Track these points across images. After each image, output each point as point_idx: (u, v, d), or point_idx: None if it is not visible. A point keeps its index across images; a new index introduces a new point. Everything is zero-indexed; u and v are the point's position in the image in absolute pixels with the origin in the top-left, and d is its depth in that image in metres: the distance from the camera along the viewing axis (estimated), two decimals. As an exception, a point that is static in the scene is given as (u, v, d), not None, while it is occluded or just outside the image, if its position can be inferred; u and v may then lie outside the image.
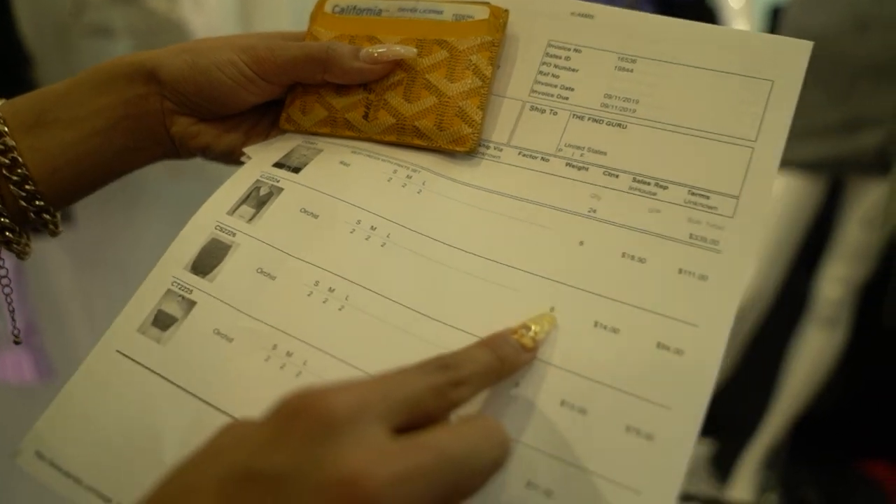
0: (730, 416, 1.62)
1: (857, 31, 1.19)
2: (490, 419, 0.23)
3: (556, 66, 0.38)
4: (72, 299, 1.27)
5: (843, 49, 1.21)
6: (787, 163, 1.28)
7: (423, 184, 0.36)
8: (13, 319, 0.44)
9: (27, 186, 0.37)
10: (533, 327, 0.29)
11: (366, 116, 0.38)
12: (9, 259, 1.19)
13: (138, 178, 1.35)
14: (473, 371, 0.25)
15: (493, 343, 0.28)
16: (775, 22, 1.38)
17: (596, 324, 0.30)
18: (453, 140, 0.36)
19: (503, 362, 0.27)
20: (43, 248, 1.22)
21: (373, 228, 0.34)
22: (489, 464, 0.22)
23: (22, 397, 1.23)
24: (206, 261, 0.34)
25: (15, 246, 0.39)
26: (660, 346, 0.29)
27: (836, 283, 1.37)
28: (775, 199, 1.31)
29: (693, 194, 0.33)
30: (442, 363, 0.24)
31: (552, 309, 0.31)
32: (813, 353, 1.44)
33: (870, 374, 1.63)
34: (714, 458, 1.65)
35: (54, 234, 0.40)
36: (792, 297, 1.44)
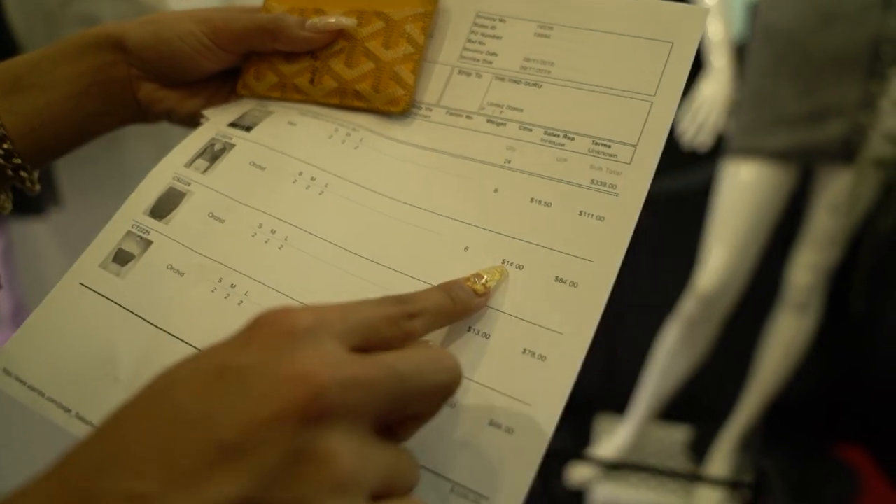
0: (705, 402, 1.66)
1: (821, 26, 1.23)
2: (442, 350, 0.26)
3: (482, 35, 0.42)
4: (55, 283, 1.30)
5: (809, 43, 1.24)
6: (759, 152, 1.32)
7: (361, 140, 0.40)
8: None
9: (5, 146, 0.40)
10: (485, 276, 0.33)
11: (312, 81, 0.42)
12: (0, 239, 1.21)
13: (128, 162, 1.38)
14: (426, 307, 0.27)
15: (447, 287, 0.31)
16: (754, 18, 1.41)
17: (504, 261, 0.34)
18: (388, 101, 0.40)
19: (455, 303, 0.30)
20: (33, 230, 1.26)
21: (312, 179, 0.38)
22: (436, 386, 0.24)
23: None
24: (164, 206, 0.38)
25: None
26: (558, 279, 0.33)
27: (805, 269, 1.40)
28: (746, 187, 1.34)
29: (596, 143, 0.37)
30: (399, 298, 0.27)
31: (466, 249, 0.35)
32: (784, 339, 1.47)
33: (840, 358, 1.67)
34: (691, 444, 1.68)
35: (31, 191, 0.44)
36: (765, 283, 1.47)
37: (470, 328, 0.32)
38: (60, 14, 1.22)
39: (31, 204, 1.12)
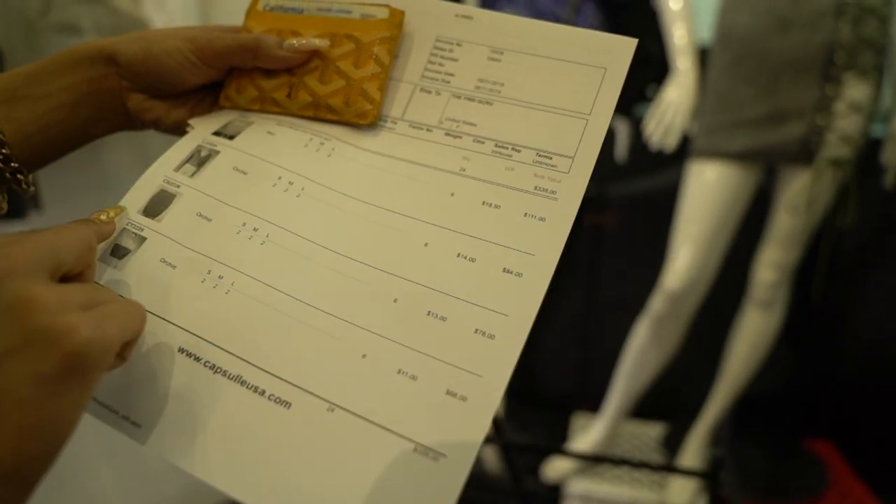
0: (677, 398, 1.71)
1: (778, 31, 1.28)
2: (74, 226, 0.35)
3: (441, 57, 0.47)
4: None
5: (766, 47, 1.30)
6: (721, 153, 1.37)
7: (333, 149, 0.45)
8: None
9: (4, 150, 0.44)
10: (109, 212, 0.41)
11: (289, 95, 0.46)
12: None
13: (105, 165, 1.41)
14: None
15: (80, 220, 0.38)
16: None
17: (458, 255, 0.39)
18: (358, 114, 0.45)
19: (88, 228, 0.37)
20: (12, 233, 1.27)
21: (290, 183, 0.43)
22: (77, 241, 0.33)
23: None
24: (156, 206, 0.42)
25: None
26: (505, 270, 0.38)
27: (769, 267, 1.45)
28: (710, 187, 1.39)
29: (540, 156, 0.42)
30: (44, 229, 0.34)
31: (426, 245, 0.39)
32: (751, 335, 1.52)
33: (808, 354, 1.72)
34: (664, 440, 1.73)
35: (27, 192, 0.47)
36: (731, 281, 1.52)
37: (429, 312, 0.37)
38: (39, 22, 1.25)
39: (13, 208, 1.14)
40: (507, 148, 0.43)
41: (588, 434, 1.65)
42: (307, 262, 0.39)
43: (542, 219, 0.40)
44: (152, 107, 0.48)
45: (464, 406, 0.34)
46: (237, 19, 0.51)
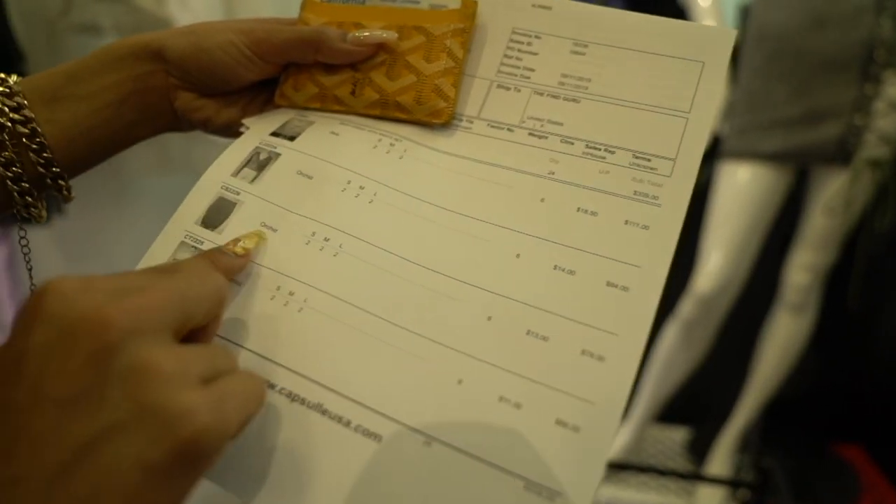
0: (704, 402, 1.68)
1: (814, 29, 1.25)
2: (205, 269, 0.30)
3: (519, 51, 0.43)
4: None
5: (802, 45, 1.26)
6: (754, 154, 1.34)
7: (405, 151, 0.41)
8: (31, 280, 0.48)
9: (45, 154, 0.40)
10: (243, 240, 0.36)
11: (353, 93, 0.43)
12: (2, 251, 1.22)
13: (127, 172, 1.38)
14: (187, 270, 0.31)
15: (208, 253, 0.35)
16: (744, 20, 1.43)
17: (555, 267, 0.35)
18: (431, 113, 0.41)
19: (216, 265, 0.33)
20: (34, 239, 1.25)
21: (361, 188, 0.39)
22: (210, 291, 0.29)
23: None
24: (215, 216, 0.39)
25: (33, 210, 0.43)
26: (609, 284, 0.34)
27: (803, 270, 1.42)
28: (743, 189, 1.36)
29: (637, 157, 0.38)
30: (161, 268, 0.30)
31: (518, 256, 0.36)
32: (782, 339, 1.49)
33: (838, 358, 1.69)
34: (690, 444, 1.70)
35: (67, 199, 0.44)
36: (762, 284, 1.49)
37: (528, 331, 0.33)
38: (60, 23, 1.22)
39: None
40: (600, 149, 0.39)
41: (615, 439, 1.61)
42: (387, 276, 0.36)
43: (645, 227, 0.36)
44: (202, 106, 0.45)
45: (577, 437, 0.30)
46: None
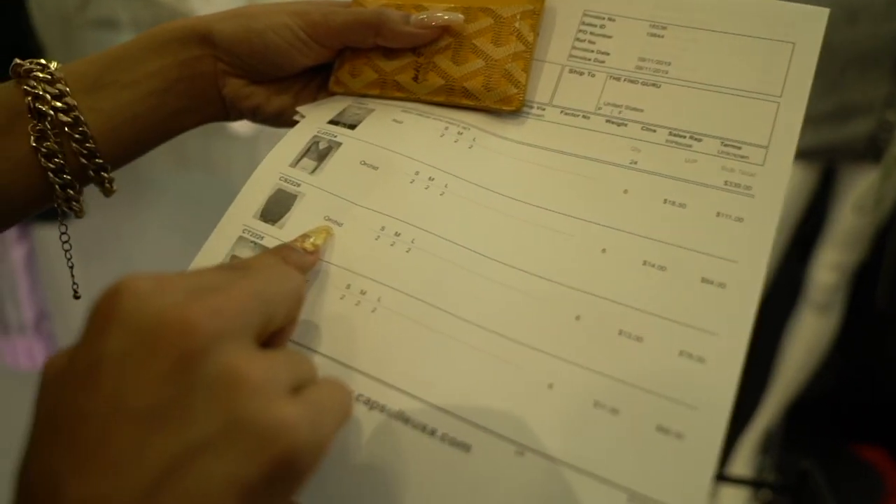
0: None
1: (846, 23, 1.22)
2: (280, 263, 0.28)
3: (591, 34, 0.41)
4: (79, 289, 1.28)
5: (833, 39, 1.24)
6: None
7: (474, 140, 0.39)
8: (72, 276, 0.45)
9: (88, 144, 0.38)
10: (311, 238, 0.34)
11: (416, 78, 0.40)
12: (21, 249, 1.20)
13: (143, 169, 1.36)
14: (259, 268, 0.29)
15: (278, 249, 0.32)
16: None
17: (645, 262, 0.33)
18: (500, 100, 0.39)
19: (287, 262, 0.31)
20: (52, 237, 1.23)
21: (431, 179, 0.37)
22: (290, 291, 0.26)
23: (28, 383, 1.25)
24: (275, 209, 0.36)
25: (74, 204, 0.41)
26: (704, 280, 0.32)
27: (829, 269, 1.39)
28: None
29: (726, 145, 0.36)
30: (233, 265, 0.28)
31: (603, 251, 0.33)
32: (807, 339, 1.47)
33: (863, 358, 1.66)
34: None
35: (109, 192, 0.42)
36: (787, 282, 1.47)
37: (621, 331, 0.31)
38: (77, 18, 1.20)
39: (52, 210, 1.10)
40: (685, 136, 0.36)
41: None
42: (465, 274, 0.33)
43: (738, 219, 0.33)
44: (252, 93, 0.43)
45: (680, 445, 0.28)
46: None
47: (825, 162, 1.33)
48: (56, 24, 1.20)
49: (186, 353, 0.21)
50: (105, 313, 0.22)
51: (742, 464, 1.52)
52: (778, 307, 1.51)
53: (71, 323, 1.25)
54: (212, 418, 0.20)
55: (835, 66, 1.24)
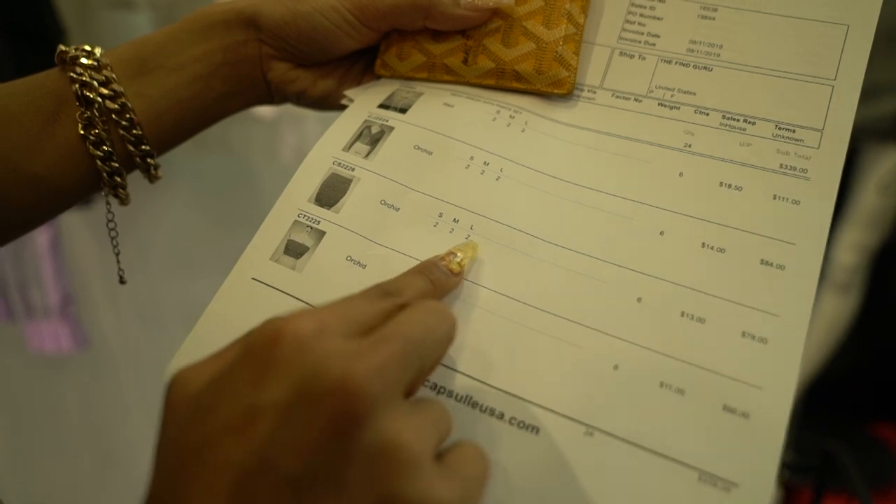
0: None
1: (874, 0, 1.21)
2: (432, 301, 0.26)
3: (641, 16, 0.40)
4: (98, 275, 1.29)
5: (861, 17, 1.22)
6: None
7: (526, 123, 0.39)
8: (118, 262, 0.46)
9: (134, 131, 0.39)
10: (459, 255, 0.32)
11: (465, 61, 0.40)
12: (46, 234, 1.20)
13: (165, 154, 1.36)
14: (412, 295, 0.28)
15: (426, 269, 0.31)
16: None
17: (703, 245, 0.33)
18: (552, 83, 0.39)
19: (435, 285, 0.30)
20: (76, 222, 1.24)
21: (486, 163, 0.37)
22: (442, 337, 0.25)
23: (53, 367, 1.26)
24: (330, 193, 0.37)
25: (121, 191, 0.41)
26: (763, 262, 0.32)
27: (850, 249, 1.39)
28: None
29: (780, 129, 0.36)
30: (385, 290, 0.27)
31: (661, 234, 0.33)
32: (826, 319, 1.47)
33: (881, 339, 1.66)
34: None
35: (154, 178, 0.42)
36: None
37: (683, 313, 0.31)
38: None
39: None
40: (738, 120, 0.36)
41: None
42: (525, 258, 0.33)
43: (795, 202, 0.33)
44: (297, 77, 0.43)
45: (747, 424, 0.28)
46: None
47: (849, 142, 1.32)
48: (74, 4, 1.19)
49: (347, 416, 0.20)
50: (265, 357, 0.21)
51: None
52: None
53: (95, 307, 1.26)
54: (366, 493, 0.20)
55: (860, 44, 1.23)
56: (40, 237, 1.12)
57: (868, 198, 1.34)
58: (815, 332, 1.48)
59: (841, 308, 1.46)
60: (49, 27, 1.08)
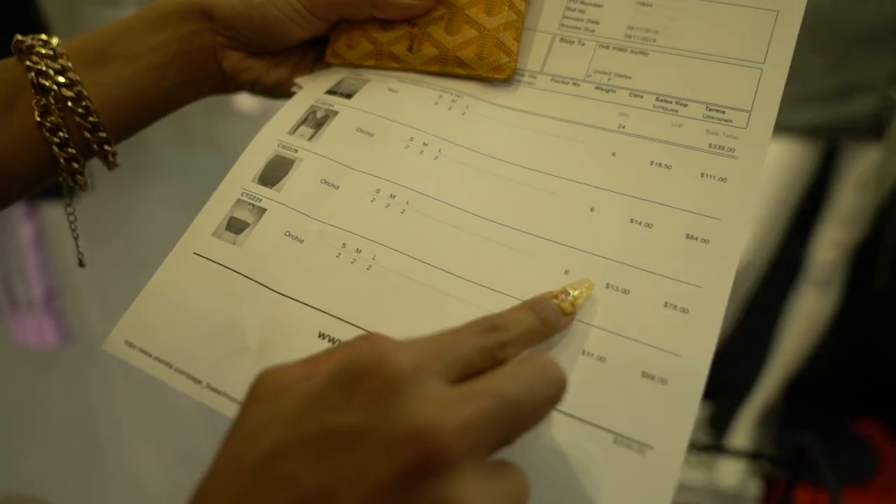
0: (726, 378, 1.67)
1: (852, 0, 1.22)
2: (544, 357, 0.24)
3: (582, 3, 0.42)
4: (82, 269, 1.29)
5: (838, 16, 1.23)
6: (785, 128, 1.31)
7: (467, 107, 0.40)
8: (77, 245, 0.47)
9: (91, 119, 0.39)
10: (572, 293, 0.31)
11: (410, 49, 0.41)
12: (30, 227, 1.20)
13: (150, 149, 1.37)
14: (518, 333, 0.27)
15: (536, 305, 0.29)
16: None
17: (632, 220, 0.34)
18: (493, 68, 0.40)
19: (545, 324, 0.29)
20: (60, 216, 1.25)
21: (425, 144, 0.38)
22: (545, 400, 0.23)
23: (38, 361, 1.27)
24: (273, 174, 0.38)
25: (79, 177, 0.42)
26: (689, 236, 0.33)
27: (830, 246, 1.40)
28: (771, 164, 1.34)
29: (710, 110, 0.37)
30: (490, 325, 0.26)
31: (592, 210, 0.35)
32: (807, 315, 1.48)
33: (861, 334, 1.67)
34: (711, 419, 1.69)
35: (113, 166, 0.43)
36: (787, 260, 1.48)
37: (608, 284, 0.32)
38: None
39: (57, 186, 1.11)
40: (671, 102, 0.38)
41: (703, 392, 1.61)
42: (458, 232, 0.35)
43: (722, 179, 0.35)
44: (250, 66, 0.44)
45: (664, 390, 0.29)
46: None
47: (828, 140, 1.33)
48: (56, 1, 1.20)
49: (421, 467, 0.19)
50: (357, 385, 0.21)
51: (742, 436, 1.54)
52: (778, 284, 1.52)
53: (80, 301, 1.26)
54: None
55: (839, 43, 1.24)
56: (24, 230, 1.13)
57: (847, 195, 1.35)
58: (795, 329, 1.49)
59: (821, 305, 1.47)
60: (34, 23, 1.09)
